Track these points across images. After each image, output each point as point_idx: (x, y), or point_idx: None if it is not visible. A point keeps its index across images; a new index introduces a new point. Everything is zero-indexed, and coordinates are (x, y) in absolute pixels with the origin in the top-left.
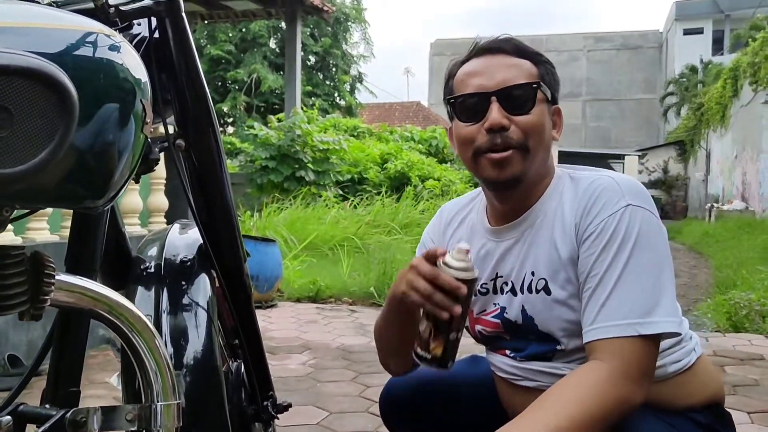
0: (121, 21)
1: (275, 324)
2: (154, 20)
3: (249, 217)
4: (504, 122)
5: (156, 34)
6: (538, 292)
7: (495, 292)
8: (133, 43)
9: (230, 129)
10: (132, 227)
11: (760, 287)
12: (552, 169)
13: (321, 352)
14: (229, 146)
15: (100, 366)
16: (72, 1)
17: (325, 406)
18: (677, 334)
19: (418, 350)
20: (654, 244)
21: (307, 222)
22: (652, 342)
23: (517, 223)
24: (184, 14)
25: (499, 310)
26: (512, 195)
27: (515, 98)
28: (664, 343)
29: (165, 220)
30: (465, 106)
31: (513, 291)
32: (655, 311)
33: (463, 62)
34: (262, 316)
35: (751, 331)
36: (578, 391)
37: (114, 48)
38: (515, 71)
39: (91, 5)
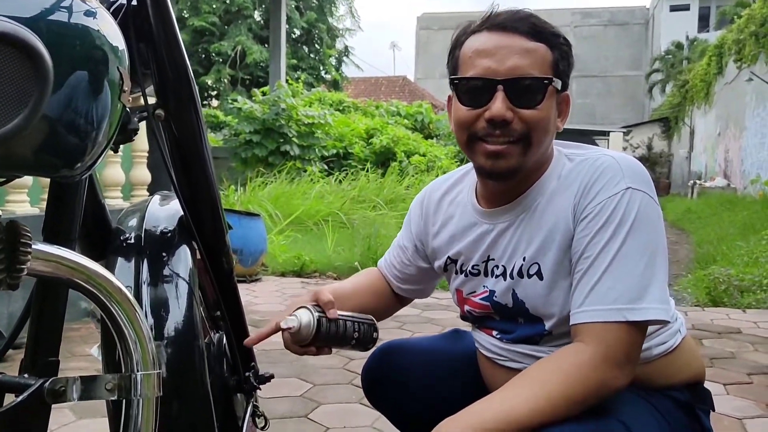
0: None
1: (260, 298)
2: None
3: (233, 192)
4: (507, 115)
5: (134, 2)
6: (530, 276)
7: (486, 274)
8: (111, 10)
9: (215, 102)
10: (114, 200)
11: (739, 262)
12: (551, 154)
13: None
14: (213, 119)
15: (82, 338)
16: None
17: (309, 379)
18: (666, 322)
19: None
20: (650, 229)
21: (292, 197)
22: (639, 328)
23: (512, 206)
24: None
25: (488, 293)
26: (506, 183)
27: (523, 90)
28: (651, 327)
29: (147, 194)
30: (468, 88)
31: (504, 275)
32: (645, 297)
33: (474, 32)
34: (246, 290)
35: (729, 305)
36: (559, 372)
37: (90, 14)
38: (528, 59)
39: None
